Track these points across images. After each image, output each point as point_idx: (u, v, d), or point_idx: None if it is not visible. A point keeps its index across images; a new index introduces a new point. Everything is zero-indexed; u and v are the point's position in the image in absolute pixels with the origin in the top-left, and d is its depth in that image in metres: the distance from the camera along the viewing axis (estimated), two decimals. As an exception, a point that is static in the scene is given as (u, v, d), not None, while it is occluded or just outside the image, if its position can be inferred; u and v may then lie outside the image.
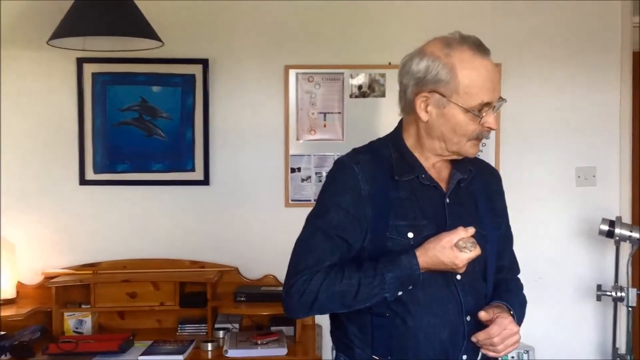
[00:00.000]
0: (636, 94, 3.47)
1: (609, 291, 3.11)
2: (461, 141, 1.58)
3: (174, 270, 3.21)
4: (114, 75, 3.27)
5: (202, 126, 3.28)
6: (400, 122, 1.69)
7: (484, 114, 1.54)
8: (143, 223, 3.30)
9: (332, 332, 1.74)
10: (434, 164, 1.64)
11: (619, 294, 3.08)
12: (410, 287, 1.53)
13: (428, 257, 1.51)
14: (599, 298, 3.15)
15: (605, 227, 3.10)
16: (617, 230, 3.08)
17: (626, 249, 3.21)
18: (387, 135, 1.70)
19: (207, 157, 3.29)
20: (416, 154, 1.63)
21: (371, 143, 1.70)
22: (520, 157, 3.37)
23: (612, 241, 3.18)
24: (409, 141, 1.64)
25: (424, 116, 1.58)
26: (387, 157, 1.62)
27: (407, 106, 1.62)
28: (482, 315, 1.55)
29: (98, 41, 2.90)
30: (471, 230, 1.51)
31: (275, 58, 3.30)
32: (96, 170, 3.27)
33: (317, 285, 1.53)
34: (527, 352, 3.08)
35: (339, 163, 1.64)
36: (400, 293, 1.53)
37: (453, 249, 1.49)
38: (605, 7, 3.37)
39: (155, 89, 3.29)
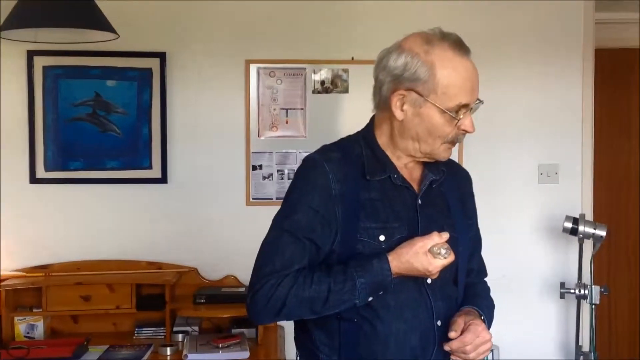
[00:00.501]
0: (598, 91, 3.48)
1: (572, 289, 3.11)
2: (435, 143, 1.52)
3: (130, 271, 3.11)
4: (67, 69, 3.15)
5: (160, 122, 3.18)
6: (372, 119, 1.62)
7: (461, 116, 1.49)
8: (97, 223, 3.18)
9: (296, 338, 1.67)
10: (406, 164, 1.58)
11: (582, 291, 3.08)
12: (381, 293, 1.48)
13: (401, 263, 1.45)
14: (562, 296, 3.15)
15: (569, 225, 3.10)
16: (581, 228, 3.08)
17: (589, 246, 3.21)
18: (358, 133, 1.63)
19: (164, 154, 3.19)
20: (388, 153, 1.57)
21: (341, 140, 1.63)
22: (483, 154, 3.35)
23: (575, 238, 3.19)
24: (381, 139, 1.58)
25: (399, 115, 1.51)
26: (358, 156, 1.56)
27: (382, 103, 1.55)
28: (453, 335, 1.49)
29: (50, 33, 2.75)
30: (445, 235, 1.46)
31: (235, 52, 3.22)
32: (47, 168, 3.15)
33: (285, 291, 1.46)
34: (492, 351, 3.06)
35: (309, 160, 1.56)
36: (370, 299, 1.47)
37: (427, 254, 1.44)
38: (568, 4, 3.37)
39: (110, 83, 3.17)
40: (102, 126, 3.16)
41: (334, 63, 3.24)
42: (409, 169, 1.59)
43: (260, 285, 1.48)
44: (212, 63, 3.22)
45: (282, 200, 1.57)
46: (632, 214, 3.97)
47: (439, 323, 1.54)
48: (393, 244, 1.48)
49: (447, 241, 1.47)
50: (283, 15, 3.23)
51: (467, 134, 1.53)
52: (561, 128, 3.40)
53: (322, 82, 3.26)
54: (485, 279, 1.80)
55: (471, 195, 1.74)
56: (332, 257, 1.51)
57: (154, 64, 3.17)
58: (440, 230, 1.48)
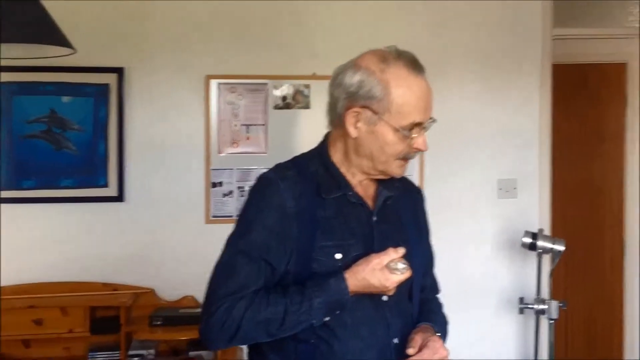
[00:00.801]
0: (559, 106, 3.53)
1: (531, 304, 3.13)
2: (389, 160, 1.51)
3: (84, 293, 3.03)
4: (21, 85, 3.08)
5: (117, 139, 3.13)
6: (327, 136, 1.61)
7: (414, 135, 1.49)
8: (50, 243, 3.10)
9: None
10: (361, 181, 1.57)
11: (540, 306, 3.09)
12: (338, 312, 1.45)
13: (357, 281, 1.44)
14: (521, 311, 3.16)
15: (528, 240, 3.12)
16: (540, 243, 3.10)
17: (547, 260, 3.24)
18: (313, 150, 1.61)
19: (121, 172, 3.13)
20: (342, 171, 1.55)
21: (296, 158, 1.61)
22: (443, 170, 3.36)
23: (533, 253, 3.21)
24: (336, 157, 1.56)
25: (353, 132, 1.50)
26: (313, 174, 1.54)
27: (336, 120, 1.54)
28: (411, 352, 1.47)
29: (3, 48, 2.67)
30: (401, 250, 1.45)
31: (195, 67, 3.18)
32: (-1, 187, 3.05)
33: (240, 314, 1.42)
34: (453, 368, 3.03)
35: (263, 179, 1.53)
36: (327, 319, 1.45)
37: (384, 270, 1.43)
38: (526, 20, 3.41)
39: (65, 99, 3.10)
40: (57, 143, 3.08)
41: (295, 78, 3.22)
42: (363, 186, 1.58)
43: (214, 309, 1.44)
44: (171, 78, 3.17)
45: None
46: (589, 228, 4.03)
47: (395, 340, 1.52)
48: (349, 262, 1.47)
49: (402, 257, 1.46)
50: (244, 31, 3.21)
51: (424, 151, 1.53)
52: (519, 143, 3.43)
53: (284, 98, 3.23)
54: (441, 294, 1.80)
55: (424, 212, 1.75)
56: (288, 278, 1.48)
57: (111, 79, 3.11)
58: (395, 246, 1.47)
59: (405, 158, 1.53)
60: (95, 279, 3.08)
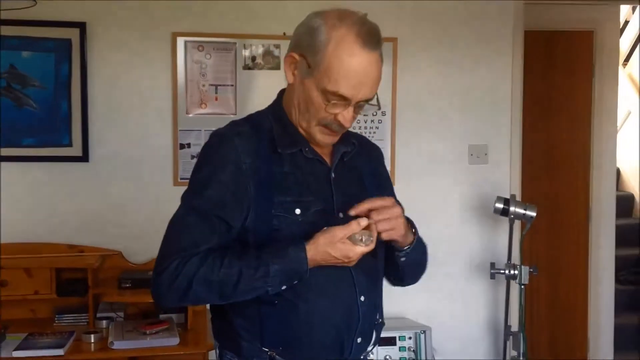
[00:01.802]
0: (526, 73, 3.52)
1: (502, 269, 3.15)
2: (311, 120, 1.47)
3: (49, 255, 2.94)
4: (-22, 38, 2.92)
5: (80, 97, 3.01)
6: (280, 93, 1.57)
7: (334, 103, 1.42)
8: (12, 204, 2.99)
9: (214, 327, 1.60)
10: None
11: (512, 272, 3.12)
12: (295, 282, 1.42)
13: (318, 252, 1.40)
14: (492, 276, 3.19)
15: (500, 205, 3.13)
16: (512, 209, 3.12)
17: (517, 226, 3.27)
18: (267, 107, 1.58)
19: (85, 131, 3.02)
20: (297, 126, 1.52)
21: (250, 115, 1.58)
22: (415, 133, 3.35)
23: (503, 219, 3.23)
24: (289, 111, 1.52)
25: (289, 77, 1.47)
26: (268, 130, 1.50)
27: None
28: (352, 212, 1.44)
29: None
30: (364, 222, 1.41)
31: (161, 24, 3.08)
32: (-44, 145, 2.93)
33: (192, 272, 1.39)
34: (424, 332, 3.07)
35: (217, 135, 1.50)
36: (284, 287, 1.42)
37: (346, 242, 1.40)
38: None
39: (25, 54, 2.97)
40: (18, 100, 2.96)
41: (265, 38, 3.14)
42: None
43: (164, 265, 1.41)
44: (136, 35, 3.06)
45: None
46: (555, 194, 4.07)
47: (362, 298, 1.51)
48: (309, 218, 1.45)
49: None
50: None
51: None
52: (491, 109, 3.43)
53: (253, 58, 3.15)
54: None
55: (383, 167, 1.73)
56: (248, 236, 1.45)
57: (73, 34, 2.99)
58: (355, 202, 1.44)
59: (326, 126, 1.47)
60: (60, 240, 2.99)
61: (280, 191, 1.45)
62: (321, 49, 1.40)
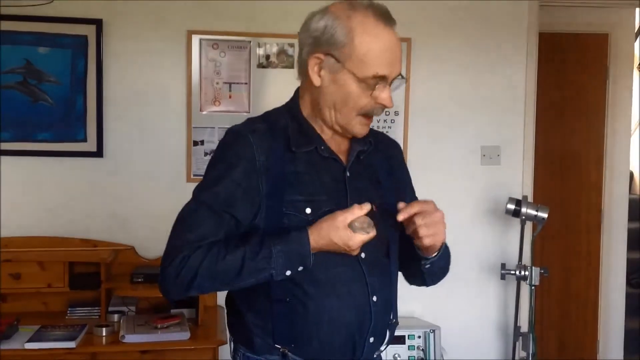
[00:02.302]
0: (540, 75, 3.52)
1: (513, 270, 3.15)
2: (350, 114, 1.46)
3: (62, 249, 2.97)
4: (-5, 33, 2.95)
5: (95, 93, 3.04)
6: (297, 90, 1.57)
7: (377, 88, 1.43)
8: (28, 197, 3.02)
9: (229, 323, 1.61)
10: (332, 135, 1.53)
11: (522, 272, 3.12)
12: (301, 268, 1.41)
13: (320, 237, 1.40)
14: (503, 277, 3.19)
15: (512, 206, 3.13)
16: (524, 210, 3.11)
17: (528, 227, 3.26)
18: (284, 105, 1.57)
19: (100, 127, 3.05)
20: (313, 124, 1.52)
21: (266, 113, 1.57)
22: (428, 134, 3.35)
23: (514, 220, 3.23)
24: (306, 111, 1.52)
25: (316, 80, 1.46)
26: (283, 128, 1.50)
27: (302, 68, 1.49)
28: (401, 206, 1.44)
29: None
30: (366, 207, 1.40)
31: (177, 22, 3.09)
32: (-27, 139, 2.96)
33: (197, 263, 1.39)
34: (434, 331, 3.07)
35: (233, 132, 1.50)
36: (289, 273, 1.41)
37: (347, 229, 1.39)
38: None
39: (42, 50, 3.00)
40: (34, 96, 2.99)
41: (279, 37, 3.16)
42: (336, 141, 1.54)
43: (171, 258, 1.41)
44: (151, 32, 3.08)
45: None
46: (567, 196, 4.06)
47: (374, 298, 1.50)
48: (319, 217, 1.43)
49: (377, 213, 1.43)
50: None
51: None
52: (504, 110, 3.43)
53: (267, 57, 3.17)
54: None
55: (402, 165, 1.70)
56: (257, 233, 1.45)
57: (89, 31, 3.01)
58: (369, 202, 1.42)
59: (368, 115, 1.48)
60: (74, 234, 3.02)
61: (292, 190, 1.45)
62: (347, 41, 1.41)
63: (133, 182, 3.10)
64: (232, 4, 3.13)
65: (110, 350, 2.64)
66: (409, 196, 1.66)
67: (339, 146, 1.54)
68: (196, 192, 1.48)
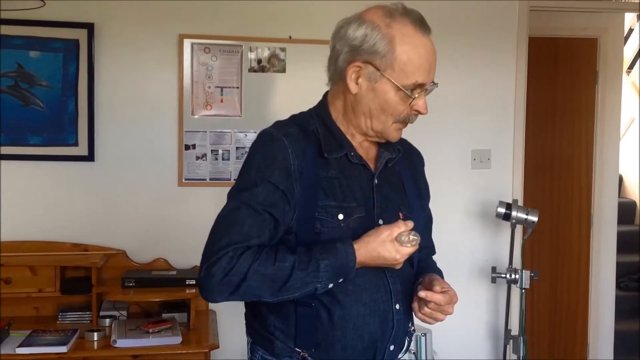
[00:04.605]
0: (530, 79, 3.54)
1: (503, 273, 3.17)
2: (387, 121, 1.48)
3: (53, 253, 2.96)
4: (-14, 38, 2.94)
5: (87, 97, 3.03)
6: (326, 96, 1.57)
7: (415, 95, 1.46)
8: (18, 201, 3.01)
9: (247, 324, 1.60)
10: (361, 142, 1.54)
11: (513, 276, 3.14)
12: (341, 280, 1.42)
13: (367, 251, 1.40)
14: (493, 280, 3.20)
15: (502, 210, 3.15)
16: (514, 213, 3.13)
17: (519, 231, 3.28)
18: (311, 109, 1.58)
19: (91, 131, 3.04)
20: (343, 130, 1.52)
21: (294, 116, 1.57)
22: (418, 138, 3.31)
23: (505, 223, 3.24)
24: (336, 116, 1.53)
25: (353, 88, 1.47)
26: (313, 132, 1.50)
27: (337, 75, 1.50)
28: (438, 289, 1.48)
29: (-33, -2, 2.58)
30: (410, 224, 1.42)
31: (168, 26, 3.09)
32: (-36, 143, 2.95)
33: (247, 265, 1.36)
34: (425, 334, 3.08)
35: (267, 135, 1.48)
36: (331, 285, 1.41)
37: (394, 242, 1.40)
38: (504, -10, 3.40)
39: (33, 54, 2.99)
40: (25, 99, 2.99)
41: (271, 41, 3.16)
42: (364, 148, 1.55)
43: (217, 257, 1.37)
44: (143, 36, 3.08)
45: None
46: (557, 200, 4.09)
47: (397, 306, 1.51)
48: (351, 224, 1.45)
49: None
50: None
51: (424, 114, 1.51)
52: (494, 114, 3.45)
53: (259, 61, 3.17)
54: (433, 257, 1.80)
55: (423, 175, 1.73)
56: (291, 239, 1.45)
57: (81, 35, 3.01)
58: (396, 209, 1.46)
59: (403, 121, 1.50)
60: (65, 239, 3.01)
61: (325, 195, 1.45)
62: (388, 50, 1.42)
63: (124, 185, 3.09)
64: (224, 8, 3.13)
65: (102, 355, 2.63)
66: (426, 208, 1.71)
67: (367, 153, 1.55)
68: (234, 193, 1.46)
